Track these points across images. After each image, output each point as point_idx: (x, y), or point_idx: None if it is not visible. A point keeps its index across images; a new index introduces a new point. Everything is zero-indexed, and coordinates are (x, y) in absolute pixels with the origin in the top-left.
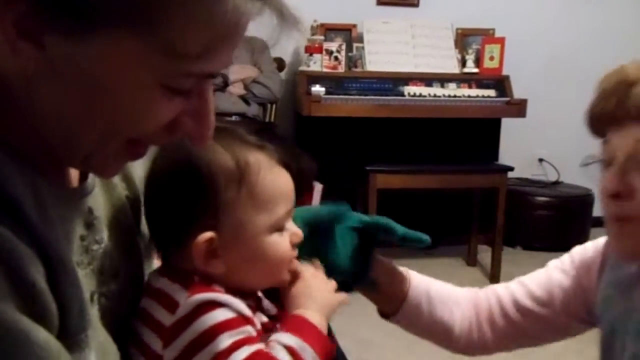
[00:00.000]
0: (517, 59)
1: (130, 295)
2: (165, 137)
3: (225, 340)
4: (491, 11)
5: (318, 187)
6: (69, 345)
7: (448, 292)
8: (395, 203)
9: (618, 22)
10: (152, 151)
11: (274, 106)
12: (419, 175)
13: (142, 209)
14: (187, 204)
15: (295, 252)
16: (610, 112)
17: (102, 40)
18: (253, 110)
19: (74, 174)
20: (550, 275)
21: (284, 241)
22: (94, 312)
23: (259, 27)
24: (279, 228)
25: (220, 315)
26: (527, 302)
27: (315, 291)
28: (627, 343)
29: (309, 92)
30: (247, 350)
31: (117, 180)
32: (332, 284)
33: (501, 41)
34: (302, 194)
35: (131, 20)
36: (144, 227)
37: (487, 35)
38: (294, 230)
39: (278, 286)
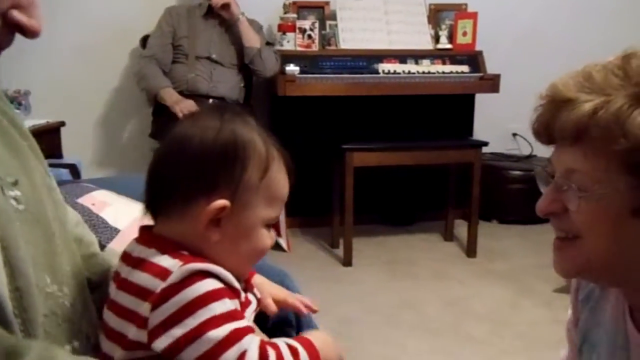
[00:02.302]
0: (490, 34)
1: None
2: (3, 34)
3: (221, 307)
4: None
5: None
6: None
7: None
8: (372, 181)
9: None
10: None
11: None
12: (395, 152)
13: (40, 152)
14: (214, 171)
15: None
16: (544, 131)
17: None
18: (234, 94)
19: None
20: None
21: (268, 238)
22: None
23: (257, 9)
24: (269, 225)
25: (211, 284)
26: None
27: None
28: (592, 355)
29: (283, 72)
30: (233, 324)
31: (8, 126)
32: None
33: (474, 16)
34: None
35: None
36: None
37: (459, 11)
38: (273, 236)
39: (242, 275)
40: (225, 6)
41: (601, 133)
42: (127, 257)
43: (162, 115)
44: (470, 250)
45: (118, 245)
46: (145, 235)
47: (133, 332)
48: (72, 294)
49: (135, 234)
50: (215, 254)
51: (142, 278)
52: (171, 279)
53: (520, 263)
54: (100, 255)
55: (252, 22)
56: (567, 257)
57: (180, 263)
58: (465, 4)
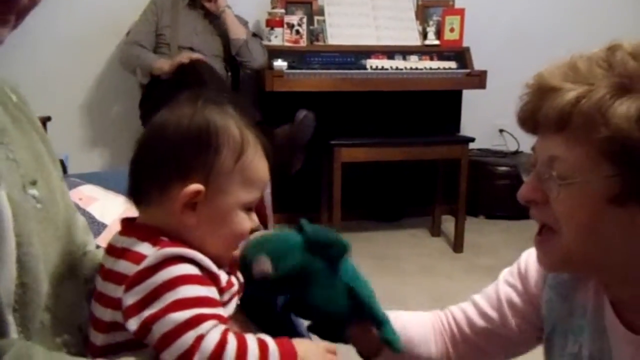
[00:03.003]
0: (477, 30)
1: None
2: None
3: (183, 292)
4: None
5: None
6: None
7: (420, 326)
8: (360, 176)
9: None
10: None
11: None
12: (383, 147)
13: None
14: (188, 156)
15: (248, 236)
16: (529, 119)
17: None
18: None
19: None
20: (498, 290)
21: (247, 221)
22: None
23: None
24: (249, 208)
25: (184, 269)
26: (481, 322)
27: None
28: (568, 342)
29: (271, 67)
30: (198, 310)
31: (30, 129)
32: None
33: (461, 12)
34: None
35: None
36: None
37: (447, 7)
38: (255, 219)
39: (223, 260)
40: None
41: (583, 121)
42: (111, 249)
43: (149, 101)
44: (458, 246)
45: (105, 241)
46: (127, 226)
47: (109, 315)
48: (69, 290)
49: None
50: (194, 238)
51: (122, 266)
52: (146, 263)
53: (507, 258)
54: (92, 253)
55: (237, 18)
56: (548, 251)
57: (157, 248)
58: (453, 1)
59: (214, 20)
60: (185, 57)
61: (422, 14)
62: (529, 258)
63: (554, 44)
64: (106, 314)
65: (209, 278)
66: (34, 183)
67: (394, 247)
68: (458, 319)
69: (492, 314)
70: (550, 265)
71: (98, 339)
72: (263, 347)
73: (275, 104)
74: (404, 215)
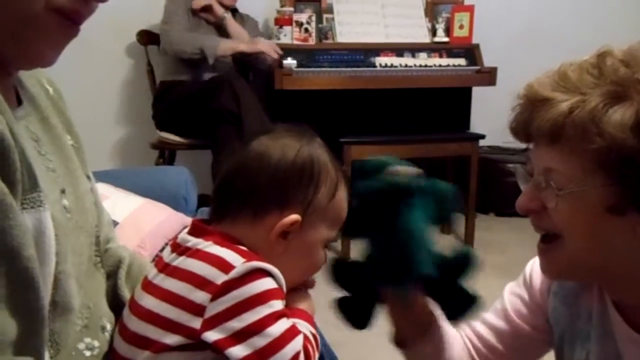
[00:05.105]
0: (486, 27)
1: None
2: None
3: (275, 306)
4: None
5: None
6: (24, 201)
7: (451, 333)
8: None
9: None
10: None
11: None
12: (392, 145)
13: (85, 156)
14: (291, 187)
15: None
16: (522, 130)
17: None
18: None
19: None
20: (505, 303)
21: (324, 258)
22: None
23: (254, 3)
24: (327, 245)
25: (270, 283)
26: (493, 339)
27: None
28: (576, 349)
29: (280, 65)
30: (287, 322)
31: (63, 131)
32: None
33: (470, 9)
34: None
35: None
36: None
37: (456, 4)
38: (327, 255)
39: (289, 286)
40: (207, 8)
41: (577, 132)
42: (177, 246)
43: (163, 102)
44: (468, 243)
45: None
46: (200, 228)
47: (181, 316)
48: (93, 290)
49: (131, 226)
50: (274, 262)
51: (197, 266)
52: (234, 273)
53: (517, 256)
54: (113, 249)
55: (247, 19)
56: (551, 260)
57: (243, 260)
58: None
59: (218, 25)
60: (271, 47)
61: (431, 11)
62: (534, 266)
63: (564, 39)
64: (175, 314)
65: (283, 292)
66: (63, 192)
67: None
68: (472, 339)
69: (503, 326)
70: (554, 274)
71: (154, 334)
72: (315, 340)
73: (285, 103)
74: None
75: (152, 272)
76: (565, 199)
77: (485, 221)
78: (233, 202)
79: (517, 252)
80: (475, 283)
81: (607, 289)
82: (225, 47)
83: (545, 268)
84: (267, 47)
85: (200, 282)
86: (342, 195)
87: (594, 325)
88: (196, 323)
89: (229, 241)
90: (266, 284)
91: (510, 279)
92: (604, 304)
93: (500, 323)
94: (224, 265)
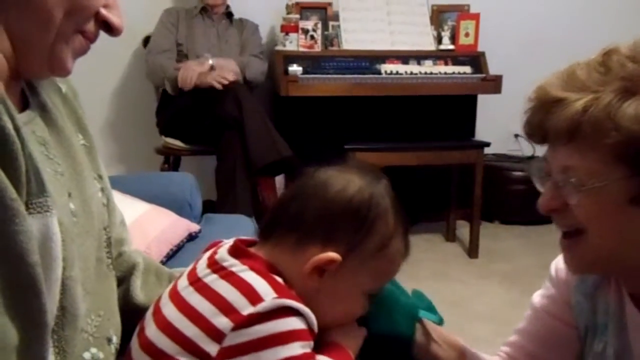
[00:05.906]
0: (492, 35)
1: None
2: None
3: (296, 349)
4: None
5: (280, 178)
6: (31, 205)
7: (486, 358)
8: None
9: None
10: None
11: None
12: (398, 152)
13: (97, 154)
14: (340, 224)
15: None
16: (537, 132)
17: None
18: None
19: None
20: (536, 306)
21: (362, 308)
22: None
23: (260, 10)
24: (369, 295)
25: (297, 323)
26: (530, 345)
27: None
28: (595, 341)
29: (286, 72)
30: None
31: (72, 132)
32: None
33: (476, 17)
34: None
35: None
36: (102, 171)
37: (462, 12)
38: (367, 305)
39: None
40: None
41: (593, 129)
42: (214, 263)
43: (167, 109)
44: (472, 251)
45: None
46: (240, 250)
47: (199, 337)
48: (101, 297)
49: (137, 232)
50: (308, 300)
51: (227, 290)
52: (261, 307)
53: (522, 264)
54: (127, 254)
55: (247, 23)
56: (576, 254)
57: (274, 295)
58: (468, 5)
59: (228, 27)
60: (216, 78)
61: (437, 19)
62: (558, 264)
63: (569, 48)
64: (190, 331)
65: (311, 333)
66: (69, 195)
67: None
68: (509, 352)
69: (537, 329)
70: (579, 268)
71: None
72: None
73: (290, 109)
74: (419, 220)
75: (182, 281)
76: (587, 194)
77: (490, 229)
78: (281, 225)
79: (522, 260)
80: (481, 291)
81: (626, 281)
82: (184, 82)
83: (570, 262)
84: (213, 78)
85: (226, 308)
86: (396, 249)
87: (610, 317)
88: (212, 348)
89: (267, 269)
90: (292, 323)
91: (516, 287)
92: (621, 297)
93: (534, 327)
94: (253, 296)
